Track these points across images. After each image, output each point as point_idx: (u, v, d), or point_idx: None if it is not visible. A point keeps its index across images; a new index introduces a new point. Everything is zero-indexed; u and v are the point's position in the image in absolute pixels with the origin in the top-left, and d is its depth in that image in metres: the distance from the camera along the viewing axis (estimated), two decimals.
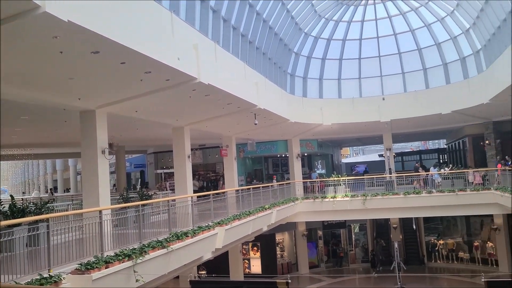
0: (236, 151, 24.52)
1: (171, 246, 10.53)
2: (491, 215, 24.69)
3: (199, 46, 11.94)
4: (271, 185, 23.06)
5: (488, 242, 25.92)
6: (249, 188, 19.15)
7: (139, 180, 36.65)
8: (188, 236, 11.64)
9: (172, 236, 10.95)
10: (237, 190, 18.46)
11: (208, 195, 14.86)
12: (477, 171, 23.43)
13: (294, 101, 24.74)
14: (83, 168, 13.25)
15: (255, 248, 27.32)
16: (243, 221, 15.89)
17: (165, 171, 32.13)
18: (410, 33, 28.96)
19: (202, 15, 16.56)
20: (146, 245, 9.82)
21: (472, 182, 22.77)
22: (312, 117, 24.56)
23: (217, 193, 16.42)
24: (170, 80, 11.30)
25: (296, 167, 28.33)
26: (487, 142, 26.06)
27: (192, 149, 19.77)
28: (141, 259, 9.24)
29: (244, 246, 26.09)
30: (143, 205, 11.07)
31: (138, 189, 25.32)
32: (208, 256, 13.81)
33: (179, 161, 18.20)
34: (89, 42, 7.87)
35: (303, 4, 24.86)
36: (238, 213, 15.99)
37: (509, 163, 22.15)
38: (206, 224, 13.29)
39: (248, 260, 27.29)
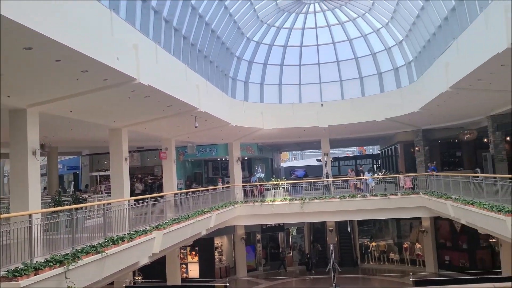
0: (176, 154, 24.19)
1: (106, 251, 10.25)
2: (420, 218, 26.06)
3: (139, 46, 11.70)
4: (217, 188, 23.06)
5: (417, 244, 27.33)
6: (188, 192, 18.99)
7: (72, 183, 35.20)
8: (124, 240, 11.36)
9: (107, 240, 10.65)
10: (176, 194, 18.21)
11: (146, 198, 14.57)
12: (408, 176, 24.65)
13: (235, 105, 24.86)
14: (11, 170, 12.51)
15: (193, 252, 27.06)
16: (182, 225, 15.74)
17: (101, 173, 31.07)
18: (348, 42, 30.04)
19: (143, 15, 16.26)
20: (79, 250, 9.49)
21: (403, 187, 23.91)
22: (252, 121, 24.76)
23: (154, 197, 16.11)
24: (108, 80, 10.97)
25: (236, 171, 28.41)
26: (416, 148, 27.48)
27: (129, 151, 19.27)
28: (73, 265, 8.94)
29: (182, 251, 25.76)
30: (77, 209, 10.66)
31: (71, 192, 24.33)
32: (144, 261, 13.55)
33: (115, 164, 17.66)
34: (22, 38, 7.48)
35: (246, 9, 25.07)
36: (177, 217, 15.82)
37: (432, 168, 23.47)
38: (144, 228, 13.04)
39: (186, 264, 26.98)
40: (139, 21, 15.89)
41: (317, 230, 31.38)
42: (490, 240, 22.15)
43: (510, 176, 14.19)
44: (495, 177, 15.17)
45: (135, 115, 16.46)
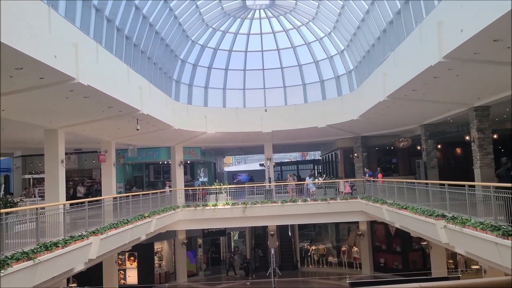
0: (116, 157, 23.53)
1: (38, 258, 9.79)
2: (357, 222, 26.91)
3: (79, 45, 11.31)
4: (164, 191, 22.71)
5: (354, 247, 28.21)
6: (128, 196, 18.52)
7: (3, 186, 33.25)
8: (58, 246, 10.90)
9: (40, 246, 10.16)
10: (115, 198, 17.69)
11: (83, 202, 14.06)
12: (347, 181, 25.40)
13: (178, 108, 24.55)
14: None
15: (132, 258, 26.36)
16: (120, 230, 15.31)
17: (35, 176, 29.62)
18: (292, 50, 30.62)
19: (83, 13, 15.73)
20: (9, 257, 9.00)
21: (342, 192, 24.59)
22: (196, 124, 24.56)
23: (92, 201, 15.56)
24: (45, 79, 10.50)
25: (179, 175, 28.01)
26: (355, 154, 28.43)
27: (66, 153, 18.51)
28: (2, 272, 8.48)
29: (120, 256, 25.05)
30: (7, 213, 10.10)
31: (0, 196, 22.97)
32: (80, 267, 13.08)
33: (51, 166, 16.88)
34: None
35: (191, 12, 24.90)
36: (115, 222, 15.36)
37: (369, 173, 24.35)
38: (80, 234, 12.57)
39: (124, 270, 26.22)
40: (79, 19, 15.36)
41: (259, 235, 31.59)
42: (422, 243, 23.28)
43: (440, 182, 15.01)
44: (427, 183, 15.96)
45: (73, 116, 15.85)
